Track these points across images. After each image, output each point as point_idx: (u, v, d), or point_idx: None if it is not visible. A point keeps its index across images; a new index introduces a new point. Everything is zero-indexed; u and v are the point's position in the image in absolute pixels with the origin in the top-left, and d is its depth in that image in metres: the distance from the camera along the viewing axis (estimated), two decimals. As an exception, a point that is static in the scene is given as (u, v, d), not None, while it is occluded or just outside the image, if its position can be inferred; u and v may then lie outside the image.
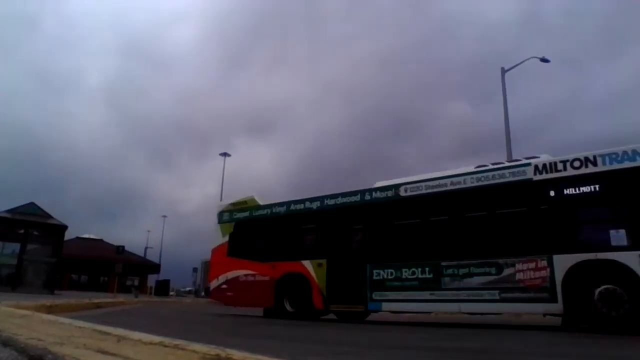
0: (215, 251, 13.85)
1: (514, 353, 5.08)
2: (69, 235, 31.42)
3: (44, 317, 5.40)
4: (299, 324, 9.75)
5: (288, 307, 11.84)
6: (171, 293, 66.93)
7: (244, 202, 13.92)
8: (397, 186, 10.90)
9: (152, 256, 68.44)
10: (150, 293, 54.28)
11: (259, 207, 13.49)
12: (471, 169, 10.15)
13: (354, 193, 11.61)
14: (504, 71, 24.33)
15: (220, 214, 14.19)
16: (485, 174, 9.68)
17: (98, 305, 14.09)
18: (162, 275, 64.30)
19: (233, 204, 14.13)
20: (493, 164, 10.02)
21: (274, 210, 12.96)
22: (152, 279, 64.66)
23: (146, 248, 70.97)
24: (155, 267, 64.29)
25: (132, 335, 3.51)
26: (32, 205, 24.95)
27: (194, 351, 2.64)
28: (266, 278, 12.23)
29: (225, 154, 46.60)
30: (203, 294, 78.04)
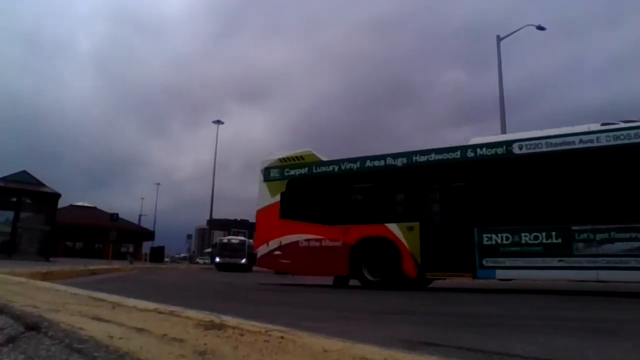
0: (262, 213, 12.20)
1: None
2: (62, 203, 31.36)
3: (39, 284, 5.43)
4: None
5: (368, 276, 10.77)
6: (166, 259, 67.46)
7: (299, 157, 12.23)
8: (507, 143, 10.01)
9: (146, 223, 68.67)
10: (145, 260, 54.69)
11: (322, 163, 11.99)
12: (596, 127, 9.37)
13: (452, 149, 10.50)
14: (499, 39, 24.08)
15: (267, 171, 12.43)
16: (625, 132, 8.89)
17: (93, 272, 14.19)
18: (156, 242, 64.70)
19: (282, 160, 12.39)
20: (624, 121, 9.27)
21: (343, 167, 11.56)
22: (146, 246, 65.13)
23: (140, 215, 71.17)
24: (149, 234, 64.59)
25: (127, 302, 3.55)
26: (24, 173, 24.80)
27: (188, 317, 2.67)
28: (337, 243, 10.98)
29: (218, 122, 46.30)
30: (198, 260, 78.86)
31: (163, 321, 2.64)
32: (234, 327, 2.25)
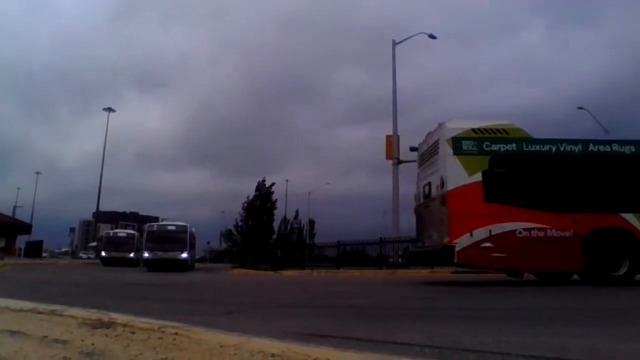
0: (456, 194, 9.80)
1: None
2: None
3: None
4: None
5: (612, 271, 9.48)
6: (44, 254, 62.30)
7: (501, 129, 10.31)
8: None
9: (23, 216, 62.79)
10: (19, 255, 50.04)
11: (534, 140, 10.34)
12: None
13: None
14: (394, 44, 25.28)
15: (458, 142, 10.09)
16: None
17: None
18: (34, 236, 59.44)
19: (478, 130, 10.24)
20: None
21: (562, 149, 10.15)
22: (22, 240, 59.55)
23: (15, 207, 64.89)
24: (25, 228, 59.09)
25: (-2, 301, 3.25)
26: None
27: (72, 316, 2.52)
28: (566, 234, 9.55)
29: (109, 109, 43.69)
30: (81, 254, 73.83)
31: (43, 322, 2.46)
32: (124, 325, 2.16)
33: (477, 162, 9.86)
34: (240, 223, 43.69)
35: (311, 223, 55.91)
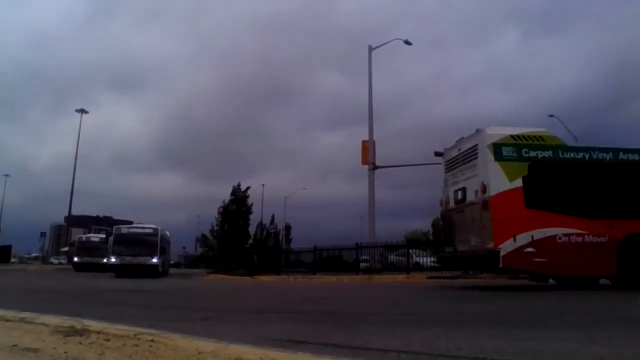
0: (499, 200, 9.93)
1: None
2: None
3: None
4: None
5: None
6: (13, 260, 60.60)
7: (538, 137, 10.49)
8: None
9: (-11, 220, 60.91)
10: (-14, 260, 48.54)
11: (568, 148, 10.67)
12: None
13: None
14: (371, 49, 25.51)
15: (498, 148, 10.22)
16: None
17: None
18: (2, 241, 57.73)
19: (516, 137, 10.39)
20: None
21: (595, 157, 10.42)
22: (-12, 245, 57.77)
23: (-19, 210, 62.87)
24: (-8, 232, 57.44)
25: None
26: None
27: (43, 324, 2.46)
28: (602, 239, 9.76)
29: (82, 111, 42.89)
30: (52, 260, 72.05)
31: (12, 330, 2.40)
32: (98, 332, 2.12)
33: (517, 168, 10.00)
34: (215, 228, 43.33)
35: (287, 228, 55.82)
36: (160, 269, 24.46)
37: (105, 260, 31.54)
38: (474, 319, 4.89)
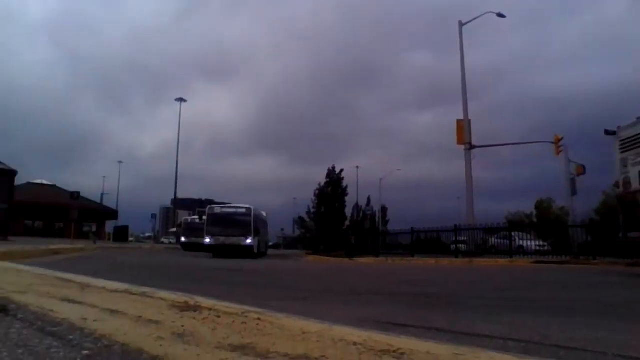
0: None
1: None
2: (18, 181, 30.33)
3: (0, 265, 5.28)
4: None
5: None
6: (130, 239, 66.35)
7: None
8: None
9: (109, 202, 67.13)
10: (109, 239, 53.62)
11: None
12: None
13: None
14: (461, 24, 24.41)
15: None
16: None
17: (56, 252, 13.85)
18: (120, 222, 63.41)
19: None
20: None
21: None
22: (110, 225, 63.79)
23: (102, 194, 69.44)
24: (112, 214, 63.25)
25: (96, 282, 3.50)
26: (-22, 149, 23.84)
27: (161, 299, 2.66)
28: None
29: (181, 100, 45.45)
30: (163, 239, 77.92)
31: (136, 302, 2.62)
32: (209, 309, 2.25)
33: None
34: (312, 210, 44.32)
35: (383, 210, 55.54)
36: (255, 250, 23.51)
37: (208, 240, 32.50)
38: (590, 308, 4.53)
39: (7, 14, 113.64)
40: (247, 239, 23.03)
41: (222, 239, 22.81)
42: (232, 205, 26.45)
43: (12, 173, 24.62)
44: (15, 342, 1.76)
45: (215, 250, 22.66)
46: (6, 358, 1.58)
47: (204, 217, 25.19)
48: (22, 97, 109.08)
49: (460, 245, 20.25)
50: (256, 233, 23.79)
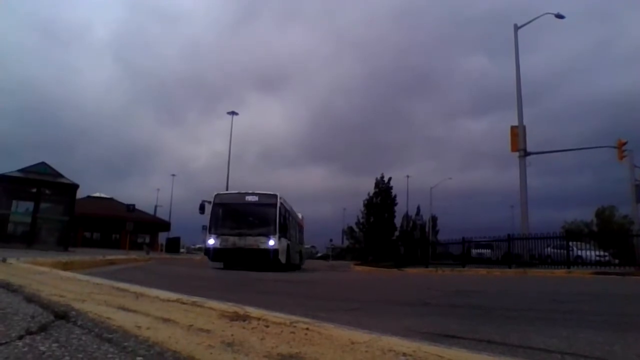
0: None
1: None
2: (79, 194, 31.80)
3: (61, 274, 5.53)
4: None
5: None
6: (182, 250, 68.14)
7: None
8: None
9: (162, 214, 69.29)
10: (161, 250, 55.32)
11: None
12: None
13: None
14: (516, 28, 23.86)
15: None
16: None
17: (111, 262, 14.39)
18: (172, 233, 65.28)
19: None
20: None
21: None
22: (162, 237, 65.83)
23: (156, 206, 71.71)
24: (165, 225, 65.25)
25: (149, 292, 3.60)
26: (43, 164, 25.18)
27: (211, 308, 2.71)
28: None
29: (232, 113, 46.43)
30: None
31: (187, 312, 2.68)
32: (258, 319, 2.28)
33: None
34: (361, 220, 44.19)
35: (434, 219, 54.74)
36: (281, 258, 16.38)
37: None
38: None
39: (74, 35, 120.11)
40: (268, 239, 16.01)
41: (232, 240, 16.22)
42: (247, 192, 17.81)
43: (74, 187, 25.84)
44: (75, 347, 1.83)
45: (223, 257, 16.59)
46: (67, 362, 1.66)
47: (208, 205, 18.07)
48: (84, 114, 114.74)
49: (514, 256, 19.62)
50: (283, 232, 16.79)
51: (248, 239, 16.12)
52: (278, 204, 16.70)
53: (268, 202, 16.90)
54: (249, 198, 17.26)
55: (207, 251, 17.15)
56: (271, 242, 15.94)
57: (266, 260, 15.92)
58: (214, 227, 16.99)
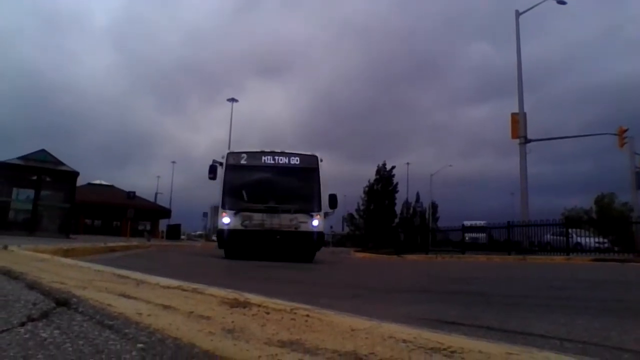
0: None
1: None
2: (80, 181, 31.82)
3: (63, 261, 5.54)
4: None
5: None
6: (182, 237, 68.42)
7: None
8: None
9: (162, 201, 69.41)
10: (162, 237, 55.56)
11: None
12: None
13: None
14: (518, 14, 23.70)
15: None
16: None
17: (112, 249, 14.43)
18: (172, 220, 65.49)
19: None
20: None
21: None
22: (163, 224, 66.06)
23: (156, 194, 71.83)
24: (166, 212, 65.42)
25: (150, 279, 3.61)
26: (43, 152, 25.11)
27: (212, 295, 2.72)
28: None
29: (232, 100, 46.30)
30: (213, 237, 79.95)
31: (188, 298, 2.70)
32: (258, 305, 2.29)
33: None
34: (361, 207, 44.27)
35: (434, 206, 54.82)
36: (316, 241, 12.25)
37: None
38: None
39: (73, 21, 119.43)
40: (311, 219, 11.94)
41: (258, 219, 11.80)
42: (277, 151, 12.98)
43: (75, 174, 25.80)
44: (76, 333, 1.84)
45: (243, 242, 11.99)
46: (69, 348, 1.67)
47: (219, 169, 12.86)
48: (85, 101, 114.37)
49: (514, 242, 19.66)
50: (318, 205, 12.34)
51: (282, 217, 11.77)
52: (319, 171, 12.55)
53: (307, 165, 12.66)
54: (280, 159, 12.66)
55: (220, 234, 12.46)
56: (315, 222, 11.92)
57: (307, 248, 12.11)
58: (229, 200, 12.23)
